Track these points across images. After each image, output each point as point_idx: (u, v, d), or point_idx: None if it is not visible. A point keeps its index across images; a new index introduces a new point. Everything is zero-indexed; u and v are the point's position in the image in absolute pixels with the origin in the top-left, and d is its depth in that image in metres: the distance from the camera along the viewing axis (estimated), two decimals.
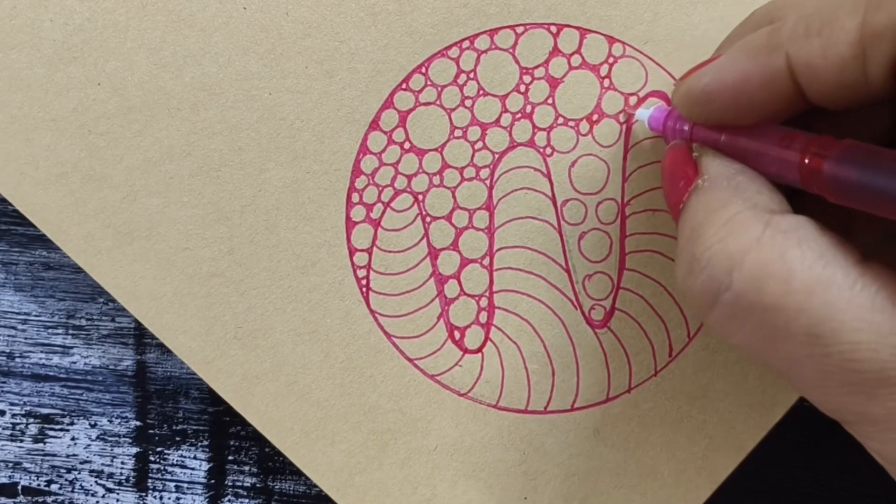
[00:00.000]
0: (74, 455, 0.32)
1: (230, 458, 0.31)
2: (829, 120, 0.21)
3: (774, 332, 0.18)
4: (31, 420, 0.32)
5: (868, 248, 0.19)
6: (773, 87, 0.20)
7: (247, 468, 0.31)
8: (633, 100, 0.27)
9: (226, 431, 0.31)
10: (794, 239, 0.18)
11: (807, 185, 0.19)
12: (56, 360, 0.31)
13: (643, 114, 0.25)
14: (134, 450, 0.31)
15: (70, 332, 0.31)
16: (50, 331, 0.31)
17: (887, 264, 0.19)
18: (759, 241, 0.19)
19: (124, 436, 0.31)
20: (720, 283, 0.19)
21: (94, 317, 0.31)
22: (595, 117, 0.27)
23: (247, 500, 0.31)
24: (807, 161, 0.19)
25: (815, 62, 0.18)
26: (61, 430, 0.32)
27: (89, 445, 0.31)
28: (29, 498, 0.32)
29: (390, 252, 0.28)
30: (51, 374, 0.32)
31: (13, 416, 0.32)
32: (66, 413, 0.32)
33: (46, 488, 0.32)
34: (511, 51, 0.27)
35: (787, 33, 0.19)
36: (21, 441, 0.32)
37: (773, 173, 0.21)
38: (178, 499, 0.31)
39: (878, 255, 0.19)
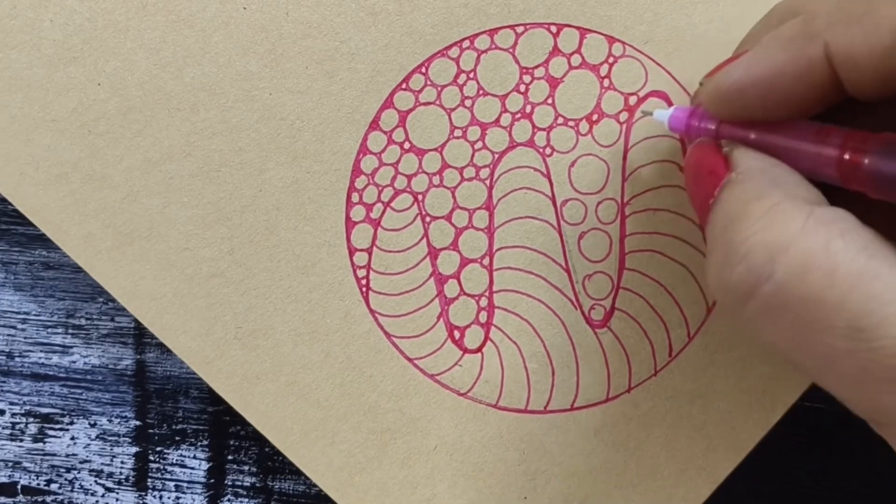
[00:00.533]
0: (74, 454, 0.32)
1: (230, 457, 0.31)
2: (855, 114, 0.20)
3: (814, 326, 0.18)
4: (31, 419, 0.32)
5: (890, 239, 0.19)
6: (810, 78, 0.19)
7: (246, 468, 0.31)
8: (632, 99, 0.27)
9: (225, 431, 0.31)
10: (837, 230, 0.18)
11: (846, 181, 0.19)
12: (56, 359, 0.31)
13: (662, 114, 0.24)
14: (133, 449, 0.31)
15: (70, 331, 0.31)
16: (49, 330, 0.31)
17: None
18: (801, 232, 0.18)
19: (124, 435, 0.31)
20: (760, 275, 0.18)
21: (94, 316, 0.31)
22: (595, 117, 0.27)
23: (246, 500, 0.31)
24: (846, 156, 0.19)
25: (857, 50, 0.18)
26: (61, 429, 0.32)
27: (89, 445, 0.32)
28: (29, 497, 0.32)
29: (390, 252, 0.28)
30: (50, 373, 0.32)
31: (13, 415, 0.32)
32: (65, 412, 0.32)
33: (46, 488, 0.32)
34: (511, 51, 0.27)
35: (825, 20, 0.18)
36: (21, 440, 0.32)
37: (807, 170, 0.20)
38: (177, 498, 0.31)
39: None
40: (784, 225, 0.18)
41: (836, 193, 0.20)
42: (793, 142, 0.20)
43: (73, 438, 0.32)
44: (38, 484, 0.32)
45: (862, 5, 0.18)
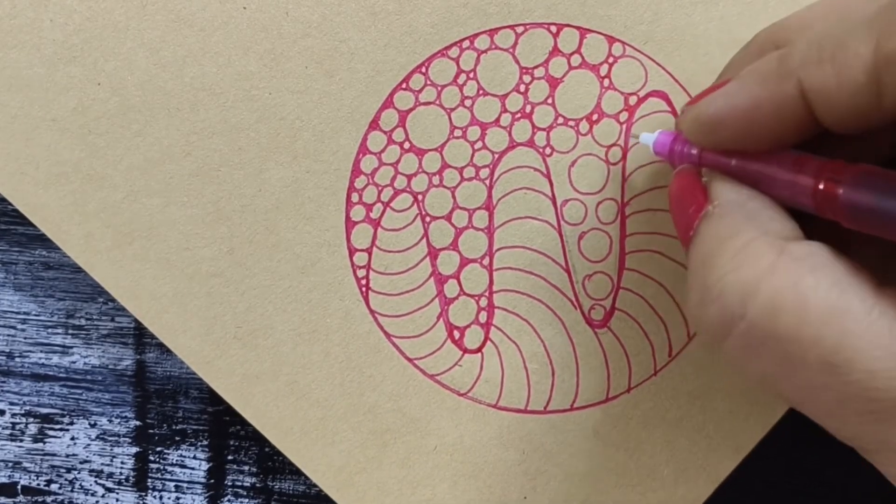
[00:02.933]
0: (74, 455, 0.32)
1: (230, 457, 0.31)
2: (837, 142, 0.21)
3: (790, 362, 0.18)
4: (31, 420, 0.32)
5: (882, 268, 0.19)
6: (785, 113, 0.19)
7: (246, 468, 0.31)
8: (632, 99, 0.27)
9: (225, 431, 0.31)
10: (808, 266, 0.18)
11: (820, 210, 0.19)
12: (56, 359, 0.32)
13: (647, 138, 0.25)
14: (133, 449, 0.31)
15: (70, 331, 0.31)
16: (49, 330, 0.31)
17: None
18: (772, 270, 0.18)
19: (124, 435, 0.31)
20: (734, 314, 0.19)
21: (94, 316, 0.31)
22: (595, 117, 0.27)
23: (246, 500, 0.31)
24: (821, 186, 0.19)
25: (829, 88, 0.18)
26: (61, 429, 0.32)
27: (89, 445, 0.32)
28: (29, 498, 0.32)
29: (390, 252, 0.28)
30: (50, 373, 0.32)
31: (13, 415, 0.32)
32: (65, 413, 0.32)
33: (46, 488, 0.32)
34: (511, 50, 0.27)
35: (798, 59, 0.19)
36: (21, 441, 0.32)
37: (784, 198, 0.20)
38: (177, 498, 0.31)
39: (877, 275, 0.19)
40: (755, 264, 0.19)
41: (819, 221, 0.20)
42: (771, 170, 0.20)
43: (73, 439, 0.32)
44: (39, 484, 0.32)
45: (834, 44, 0.18)
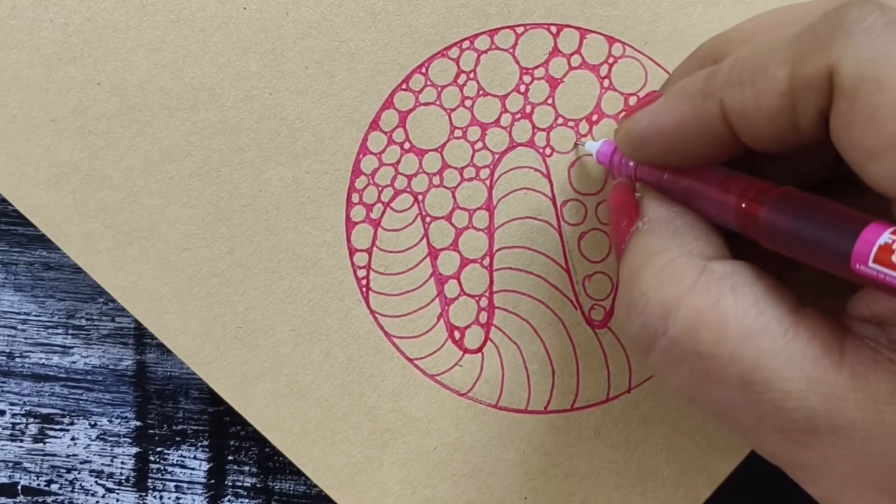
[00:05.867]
0: (74, 455, 0.32)
1: (230, 458, 0.31)
2: (773, 161, 0.21)
3: (709, 378, 0.19)
4: (31, 420, 0.32)
5: (806, 287, 0.19)
6: (709, 132, 0.20)
7: (247, 468, 0.31)
8: (633, 100, 0.27)
9: (226, 431, 0.31)
10: (729, 286, 0.19)
11: (743, 229, 0.20)
12: (56, 359, 0.32)
13: (592, 146, 0.25)
14: (134, 450, 0.31)
15: (70, 332, 0.31)
16: (50, 331, 0.31)
17: (822, 310, 0.19)
18: (692, 289, 0.19)
19: (124, 436, 0.31)
20: (656, 329, 0.19)
21: (94, 317, 0.31)
22: (595, 117, 0.27)
23: (247, 500, 0.31)
24: (743, 206, 0.19)
25: (748, 110, 0.18)
26: (61, 430, 0.32)
27: (89, 445, 0.32)
28: (29, 498, 0.32)
29: (390, 252, 0.28)
30: (51, 373, 0.32)
31: (13, 415, 0.32)
32: (65, 413, 0.32)
33: (46, 488, 0.32)
34: (511, 51, 0.27)
35: (721, 80, 0.19)
36: (21, 441, 0.32)
37: (712, 215, 0.21)
38: (177, 499, 0.31)
39: (816, 295, 0.19)
40: (677, 282, 0.19)
41: (748, 238, 0.20)
42: (700, 187, 0.21)
43: (73, 439, 0.32)
44: (39, 484, 0.32)
45: (755, 66, 0.18)
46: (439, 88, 0.27)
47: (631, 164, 0.23)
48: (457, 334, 0.28)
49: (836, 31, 0.17)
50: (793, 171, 0.22)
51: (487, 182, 0.28)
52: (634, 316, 0.20)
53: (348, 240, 0.28)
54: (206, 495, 0.31)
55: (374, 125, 0.27)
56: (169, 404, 0.31)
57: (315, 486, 0.28)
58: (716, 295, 0.18)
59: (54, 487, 0.32)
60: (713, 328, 0.18)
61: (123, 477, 0.31)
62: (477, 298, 0.28)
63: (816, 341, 0.18)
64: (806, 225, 0.18)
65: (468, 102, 0.27)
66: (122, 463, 0.31)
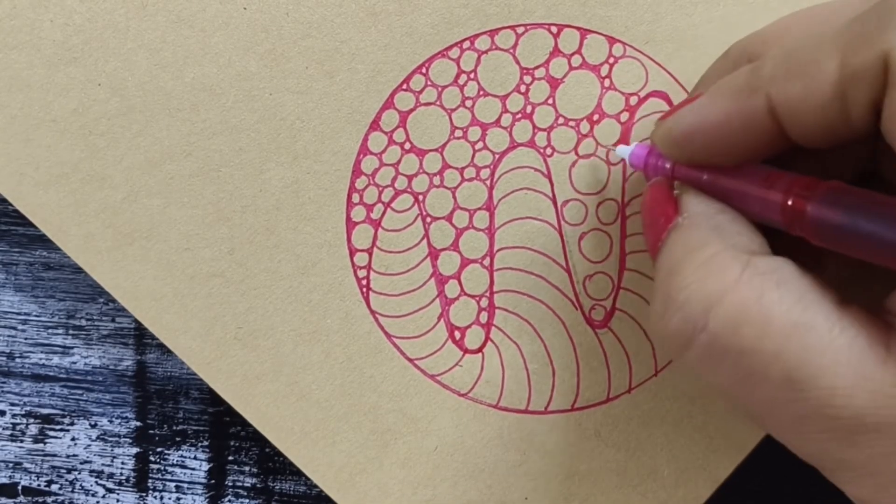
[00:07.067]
0: (74, 455, 0.32)
1: (230, 458, 0.31)
2: (813, 157, 0.21)
3: (751, 376, 0.18)
4: (32, 420, 0.32)
5: (837, 284, 0.19)
6: (755, 128, 0.19)
7: (247, 468, 0.31)
8: (633, 100, 0.27)
9: (226, 432, 0.31)
10: (773, 281, 0.18)
11: (789, 226, 0.19)
12: (56, 360, 0.31)
13: (624, 150, 0.25)
14: (134, 450, 0.31)
15: (70, 332, 0.31)
16: (50, 331, 0.31)
17: (865, 307, 0.18)
18: (736, 283, 0.18)
19: (124, 436, 0.31)
20: (695, 324, 0.19)
21: (94, 317, 0.31)
22: (595, 117, 0.27)
23: (247, 501, 0.31)
24: (790, 203, 0.19)
25: (797, 104, 0.18)
26: (61, 430, 0.32)
27: (89, 446, 0.32)
28: (29, 498, 0.32)
29: (391, 252, 0.28)
30: (51, 374, 0.32)
31: (13, 416, 0.32)
32: (66, 413, 0.32)
33: (46, 488, 0.32)
34: (511, 51, 0.27)
35: (767, 74, 0.19)
36: (21, 441, 0.32)
37: (755, 213, 0.20)
38: (178, 499, 0.31)
39: (847, 292, 0.19)
40: (720, 276, 0.19)
41: (789, 237, 0.20)
42: (742, 185, 0.20)
43: (73, 439, 0.32)
44: (39, 485, 0.32)
45: (803, 59, 0.18)
46: (440, 89, 0.27)
47: (667, 165, 0.22)
48: (457, 334, 0.28)
49: (889, 21, 0.17)
50: (823, 170, 0.21)
51: (488, 182, 0.28)
52: (673, 311, 0.19)
53: (349, 240, 0.28)
54: (207, 495, 0.31)
55: (375, 125, 0.27)
56: (169, 404, 0.31)
57: (315, 486, 0.28)
58: (760, 290, 0.18)
59: (54, 488, 0.32)
60: (757, 324, 0.18)
61: (124, 477, 0.31)
62: (477, 299, 0.28)
63: (862, 338, 0.17)
64: (857, 218, 0.17)
65: (468, 102, 0.27)
66: (123, 463, 0.31)
